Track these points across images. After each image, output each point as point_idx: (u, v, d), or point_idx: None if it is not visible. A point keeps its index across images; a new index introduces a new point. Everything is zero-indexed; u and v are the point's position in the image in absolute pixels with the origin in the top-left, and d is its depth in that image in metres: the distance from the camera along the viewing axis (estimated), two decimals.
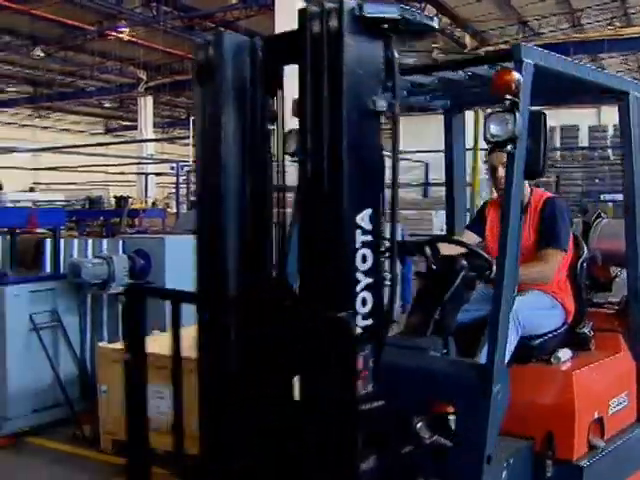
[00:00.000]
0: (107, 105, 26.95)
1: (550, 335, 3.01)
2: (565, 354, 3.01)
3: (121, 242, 5.41)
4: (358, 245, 2.05)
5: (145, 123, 22.84)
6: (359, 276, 2.05)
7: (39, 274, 5.35)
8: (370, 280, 2.07)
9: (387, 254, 2.15)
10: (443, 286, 2.68)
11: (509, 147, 2.32)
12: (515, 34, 16.61)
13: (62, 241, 5.45)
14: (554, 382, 2.88)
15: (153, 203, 18.00)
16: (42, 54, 18.85)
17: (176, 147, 26.84)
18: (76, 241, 5.53)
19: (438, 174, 10.25)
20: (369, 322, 2.07)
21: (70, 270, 5.00)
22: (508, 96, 2.29)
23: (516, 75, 2.31)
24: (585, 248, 3.27)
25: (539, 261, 2.90)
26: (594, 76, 2.96)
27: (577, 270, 3.17)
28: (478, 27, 16.98)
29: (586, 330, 3.17)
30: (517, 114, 2.29)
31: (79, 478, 4.48)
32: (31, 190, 19.70)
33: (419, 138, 13.78)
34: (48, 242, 5.47)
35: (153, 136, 23.76)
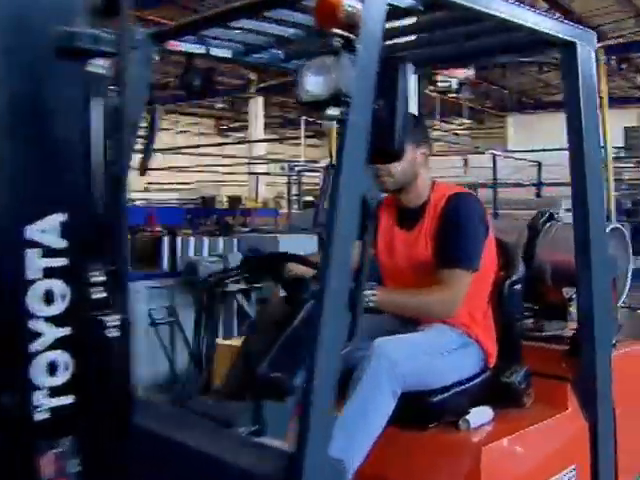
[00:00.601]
0: (219, 106, 27.84)
1: (460, 388, 2.12)
2: (480, 415, 2.12)
3: (236, 241, 5.51)
4: (34, 274, 1.35)
5: (256, 124, 23.41)
6: (38, 326, 1.35)
7: (157, 271, 5.56)
8: (66, 332, 1.39)
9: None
10: (285, 320, 1.89)
11: (333, 111, 1.50)
12: (633, 27, 15.66)
13: (179, 239, 5.63)
14: (455, 461, 1.98)
15: (264, 203, 18.38)
16: (157, 57, 19.78)
17: (286, 147, 27.34)
18: (192, 240, 5.68)
19: (554, 174, 9.77)
20: (67, 400, 1.39)
21: (187, 268, 5.14)
22: (336, 30, 1.49)
23: None
24: (521, 263, 2.42)
25: (439, 285, 2.09)
26: (525, 17, 1.98)
27: (505, 294, 2.30)
28: (593, 22, 16.19)
29: (517, 378, 2.24)
30: (346, 59, 1.48)
31: None
32: (145, 190, 20.60)
33: (530, 136, 13.22)
34: (166, 240, 5.66)
35: (263, 136, 24.32)
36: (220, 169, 23.00)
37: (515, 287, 2.33)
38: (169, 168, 22.61)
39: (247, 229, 7.45)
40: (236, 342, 4.98)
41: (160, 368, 5.27)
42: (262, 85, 22.41)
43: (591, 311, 2.21)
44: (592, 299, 2.19)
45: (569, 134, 2.22)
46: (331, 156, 10.26)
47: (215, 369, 4.69)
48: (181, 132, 31.93)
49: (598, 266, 2.19)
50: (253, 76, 22.31)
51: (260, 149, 23.18)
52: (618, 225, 3.07)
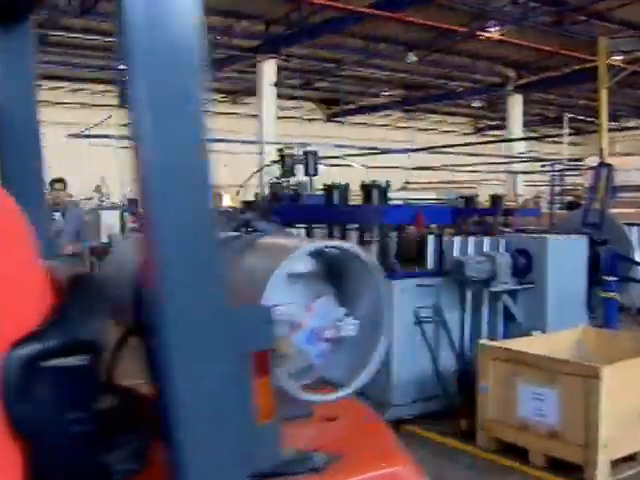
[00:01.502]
0: (475, 105, 27.52)
1: None
2: None
3: (504, 241, 5.46)
4: None
5: (514, 122, 22.74)
6: None
7: (423, 270, 5.67)
8: None
9: None
10: None
11: None
12: None
13: (443, 239, 5.73)
14: None
15: (524, 202, 17.82)
16: (415, 58, 20.14)
17: (542, 145, 26.20)
18: (457, 239, 5.73)
19: None
20: None
21: (454, 267, 5.20)
22: None
23: None
24: None
25: None
26: None
27: None
28: None
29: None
30: None
31: (453, 471, 4.64)
32: (403, 189, 21.16)
33: None
34: (431, 239, 5.78)
35: (522, 135, 23.52)
36: (477, 168, 22.81)
37: None
38: (427, 168, 23.02)
39: (510, 229, 7.28)
40: (500, 344, 4.94)
41: (424, 367, 5.39)
42: (521, 82, 21.74)
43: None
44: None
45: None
46: (601, 154, 9.75)
47: (479, 370, 4.74)
48: (436, 131, 32.25)
49: None
50: (511, 73, 21.73)
51: (518, 148, 22.51)
52: None
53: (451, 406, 5.27)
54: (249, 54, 22.00)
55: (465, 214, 7.93)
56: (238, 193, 13.34)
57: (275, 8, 19.07)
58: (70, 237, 6.61)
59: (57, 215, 6.62)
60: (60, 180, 6.77)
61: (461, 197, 9.88)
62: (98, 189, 30.04)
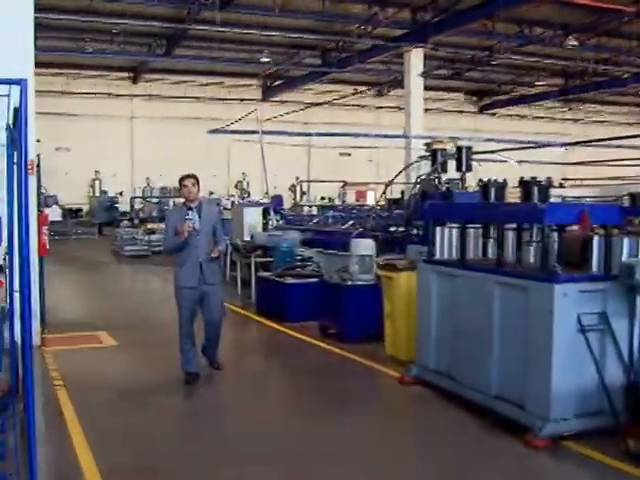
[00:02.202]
0: None
1: None
2: None
3: None
4: None
5: None
6: None
7: (587, 273, 5.41)
8: None
9: None
10: None
11: None
12: None
13: (611, 240, 5.41)
14: None
15: None
16: (575, 43, 19.15)
17: None
18: (626, 240, 5.42)
19: None
20: None
21: (623, 270, 4.94)
22: None
23: None
24: None
25: None
26: None
27: None
28: None
29: None
30: None
31: None
32: (560, 186, 20.28)
33: None
34: (596, 240, 5.50)
35: None
36: None
37: None
38: (582, 163, 21.88)
39: None
40: None
41: (587, 379, 5.16)
42: None
43: None
44: None
45: None
46: None
47: None
48: (595, 122, 30.55)
49: None
50: None
51: None
52: None
53: (617, 424, 5.02)
54: (395, 44, 21.95)
55: (633, 213, 7.49)
56: (384, 192, 13.38)
57: None
58: (207, 235, 6.85)
59: (190, 213, 6.86)
60: (191, 176, 6.90)
61: (630, 195, 9.32)
62: (239, 185, 31.44)
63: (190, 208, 6.86)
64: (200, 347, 7.30)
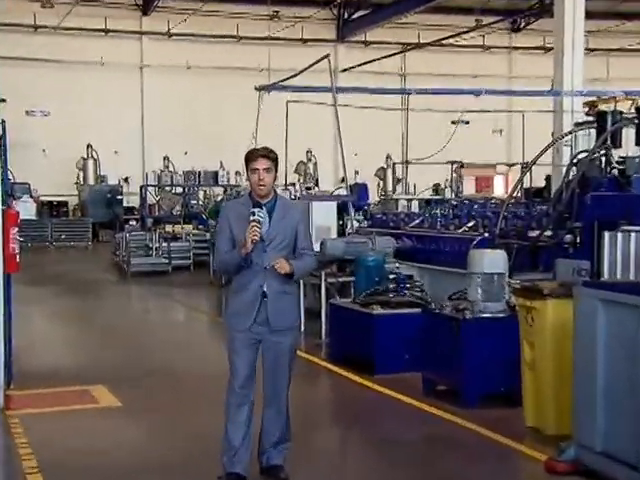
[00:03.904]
0: None
1: None
2: None
3: None
4: None
5: None
6: None
7: None
8: None
9: None
10: None
11: None
12: None
13: None
14: None
15: None
16: None
17: None
18: None
19: None
20: None
21: None
22: None
23: None
24: None
25: None
26: None
27: None
28: None
29: None
30: None
31: None
32: None
33: None
34: None
35: None
36: None
37: None
38: None
39: None
40: None
41: None
42: None
43: None
44: None
45: None
46: None
47: None
48: None
49: None
50: None
51: None
52: None
53: None
54: None
55: None
56: (521, 180, 13.24)
57: None
58: (281, 249, 6.80)
59: (259, 212, 6.79)
60: (265, 155, 6.40)
61: None
62: (302, 169, 31.71)
63: (259, 204, 6.41)
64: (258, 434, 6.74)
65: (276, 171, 6.46)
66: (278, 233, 6.47)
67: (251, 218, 6.30)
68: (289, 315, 6.61)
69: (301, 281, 13.45)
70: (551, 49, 23.49)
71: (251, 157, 6.40)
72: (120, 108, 32.60)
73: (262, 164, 6.37)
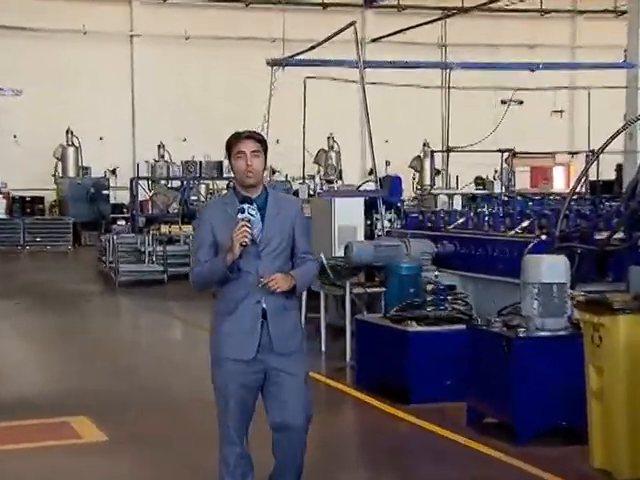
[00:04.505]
0: None
1: None
2: None
3: None
4: None
5: None
6: None
7: None
8: None
9: None
10: None
11: None
12: None
13: None
14: None
15: None
16: None
17: None
18: None
19: None
20: None
21: None
22: None
23: None
24: None
25: None
26: None
27: None
28: None
29: None
30: None
31: None
32: None
33: None
34: None
35: None
36: None
37: None
38: None
39: None
40: None
41: None
42: None
43: None
44: None
45: None
46: None
47: None
48: None
49: None
50: None
51: None
52: None
53: None
54: None
55: None
56: (586, 171, 13.16)
57: None
58: (277, 254, 6.78)
59: (249, 208, 6.61)
60: (251, 136, 6.26)
61: None
62: (322, 158, 31.75)
63: (248, 200, 6.27)
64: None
65: (265, 157, 6.32)
66: (274, 234, 6.29)
67: (239, 216, 6.11)
68: (294, 335, 6.44)
69: (322, 293, 13.49)
70: (624, 12, 23.40)
71: (235, 140, 6.28)
72: (106, 86, 32.75)
73: (249, 146, 6.24)
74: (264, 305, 6.20)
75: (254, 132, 6.37)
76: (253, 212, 6.17)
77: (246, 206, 6.15)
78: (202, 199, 29.75)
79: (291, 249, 6.36)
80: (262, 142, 6.30)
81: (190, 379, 11.63)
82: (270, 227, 6.28)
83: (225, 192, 7.04)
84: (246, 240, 6.04)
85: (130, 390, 11.33)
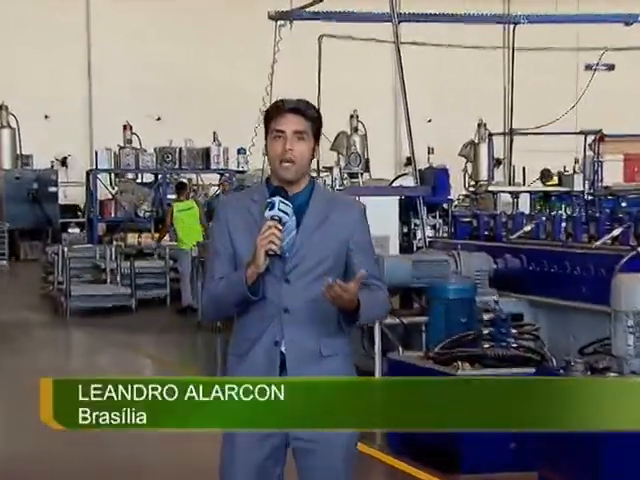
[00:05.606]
0: None
1: None
2: None
3: None
4: None
5: None
6: None
7: None
8: None
9: None
10: None
11: None
12: None
13: None
14: None
15: None
16: None
17: None
18: None
19: None
20: None
21: None
22: None
23: None
24: None
25: None
26: None
27: None
28: None
29: None
30: None
31: None
32: None
33: None
34: None
35: None
36: None
37: None
38: None
39: None
40: None
41: None
42: None
43: None
44: None
45: None
46: None
47: None
48: None
49: None
50: None
51: None
52: None
53: None
54: None
55: None
56: None
57: None
58: (317, 274, 6.53)
59: (282, 205, 6.54)
60: (298, 108, 6.01)
61: None
62: (344, 144, 31.98)
63: (282, 192, 5.72)
64: None
65: (317, 141, 5.81)
66: (310, 250, 5.69)
67: (267, 213, 5.54)
68: None
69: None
70: None
71: (274, 112, 5.71)
72: (55, 49, 33.00)
73: (292, 124, 5.69)
74: (283, 348, 5.63)
75: (304, 103, 5.78)
76: (287, 210, 5.61)
77: (277, 200, 5.60)
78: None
79: (343, 273, 5.71)
80: (313, 120, 5.76)
81: (169, 447, 11.57)
82: (307, 239, 5.72)
83: (255, 184, 6.56)
84: (274, 248, 5.45)
85: (87, 464, 11.24)
